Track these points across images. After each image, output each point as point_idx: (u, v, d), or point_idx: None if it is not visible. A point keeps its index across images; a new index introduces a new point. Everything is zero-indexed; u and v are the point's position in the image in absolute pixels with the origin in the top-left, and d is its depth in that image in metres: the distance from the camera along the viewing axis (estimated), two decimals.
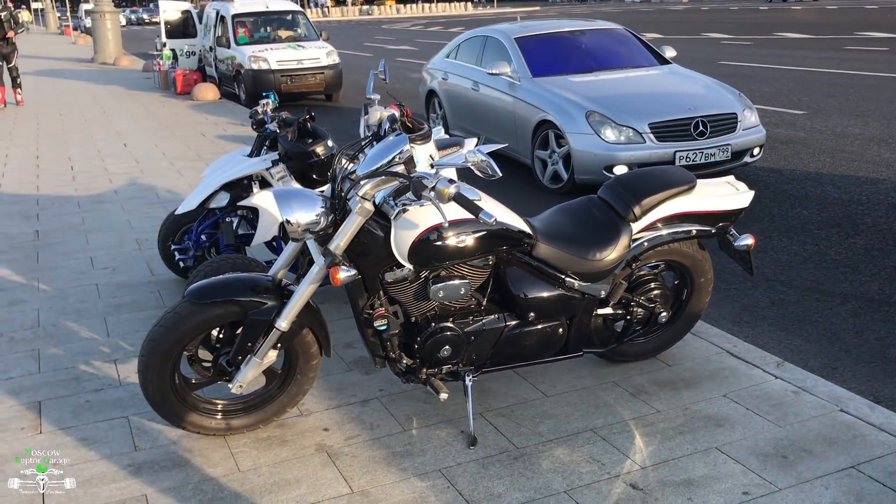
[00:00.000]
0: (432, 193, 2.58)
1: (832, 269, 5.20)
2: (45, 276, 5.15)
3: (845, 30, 24.20)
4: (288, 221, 2.84)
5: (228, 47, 14.60)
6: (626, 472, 2.92)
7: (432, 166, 2.79)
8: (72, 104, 14.20)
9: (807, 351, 4.08)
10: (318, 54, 14.02)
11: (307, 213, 2.85)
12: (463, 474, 2.94)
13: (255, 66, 13.54)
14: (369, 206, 2.81)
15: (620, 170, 6.71)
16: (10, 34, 13.47)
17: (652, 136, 6.80)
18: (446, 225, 2.67)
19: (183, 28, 16.99)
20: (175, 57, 16.54)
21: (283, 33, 15.13)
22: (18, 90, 14.05)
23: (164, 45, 16.56)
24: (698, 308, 3.73)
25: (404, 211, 2.83)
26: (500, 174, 2.70)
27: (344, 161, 3.04)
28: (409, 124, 3.14)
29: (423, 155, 2.95)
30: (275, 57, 13.66)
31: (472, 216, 2.64)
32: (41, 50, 30.21)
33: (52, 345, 4.09)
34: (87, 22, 34.05)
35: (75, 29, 40.02)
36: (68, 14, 57.59)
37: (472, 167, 2.67)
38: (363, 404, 3.46)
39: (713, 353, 3.82)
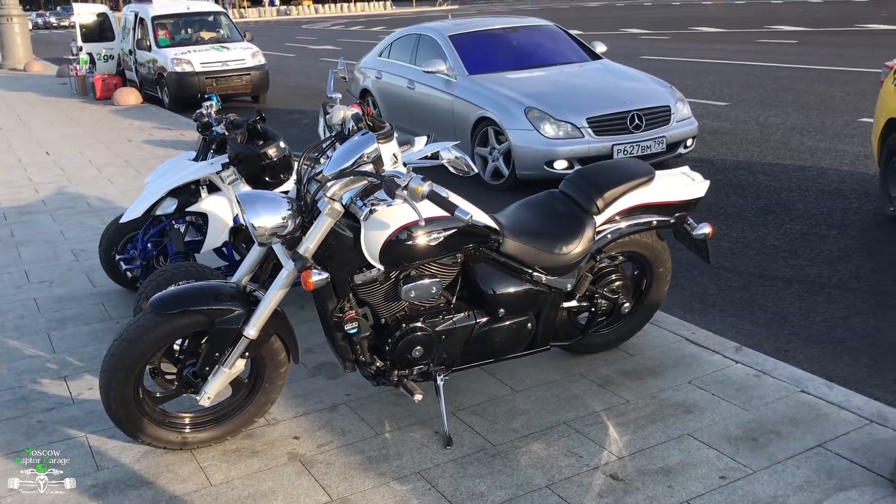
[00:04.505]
0: (405, 192, 2.55)
1: (773, 254, 5.36)
2: None
3: (756, 23, 25.01)
4: (253, 226, 2.76)
5: (150, 50, 14.17)
6: (604, 464, 2.93)
7: (405, 164, 2.75)
8: None
9: (758, 335, 4.19)
10: (244, 55, 13.78)
11: (274, 216, 2.77)
12: (442, 475, 2.91)
13: (178, 69, 13.21)
14: (339, 207, 2.76)
15: (560, 165, 6.79)
16: None
17: (590, 130, 6.89)
18: (423, 223, 2.64)
19: (99, 31, 16.39)
20: (92, 61, 15.97)
21: (206, 34, 14.77)
22: None
23: (81, 49, 15.96)
24: (658, 297, 3.78)
25: (373, 211, 2.79)
26: (476, 170, 2.68)
27: (309, 162, 2.97)
28: (370, 123, 3.09)
29: (388, 154, 2.90)
30: (199, 59, 13.36)
31: (447, 213, 2.61)
32: None
33: None
34: None
35: None
36: None
37: (447, 165, 2.65)
38: (332, 410, 3.39)
39: (673, 342, 3.88)
